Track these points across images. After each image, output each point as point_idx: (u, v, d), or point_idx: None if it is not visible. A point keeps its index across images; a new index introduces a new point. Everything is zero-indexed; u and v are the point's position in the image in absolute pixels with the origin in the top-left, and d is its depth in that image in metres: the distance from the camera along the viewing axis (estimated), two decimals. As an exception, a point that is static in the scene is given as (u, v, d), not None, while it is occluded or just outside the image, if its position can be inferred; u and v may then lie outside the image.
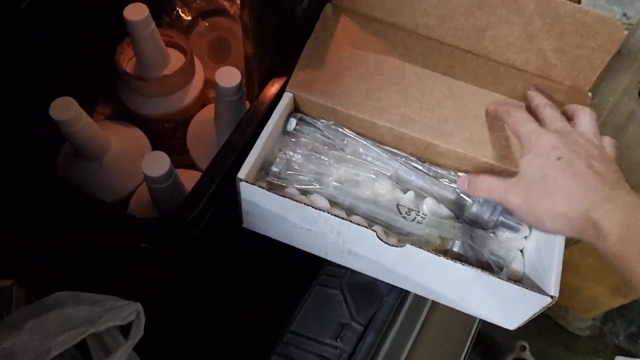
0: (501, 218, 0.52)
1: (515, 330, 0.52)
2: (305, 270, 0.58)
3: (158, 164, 0.50)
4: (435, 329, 0.65)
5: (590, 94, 0.57)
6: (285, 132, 0.55)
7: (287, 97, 0.55)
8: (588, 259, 1.20)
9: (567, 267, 1.27)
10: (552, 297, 0.45)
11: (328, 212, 0.46)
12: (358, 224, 0.46)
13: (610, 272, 1.19)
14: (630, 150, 1.11)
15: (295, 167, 0.53)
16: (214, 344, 0.59)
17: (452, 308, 0.54)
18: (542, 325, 1.38)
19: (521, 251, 0.55)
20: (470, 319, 0.65)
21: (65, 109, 0.53)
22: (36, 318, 0.47)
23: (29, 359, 0.44)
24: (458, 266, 0.45)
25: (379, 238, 0.46)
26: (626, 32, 0.98)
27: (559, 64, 0.54)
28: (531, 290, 0.45)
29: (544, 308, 0.46)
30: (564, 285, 1.43)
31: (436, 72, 0.54)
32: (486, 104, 0.52)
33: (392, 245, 0.46)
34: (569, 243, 1.23)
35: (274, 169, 0.52)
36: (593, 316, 1.34)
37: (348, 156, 0.54)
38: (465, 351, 0.73)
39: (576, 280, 1.22)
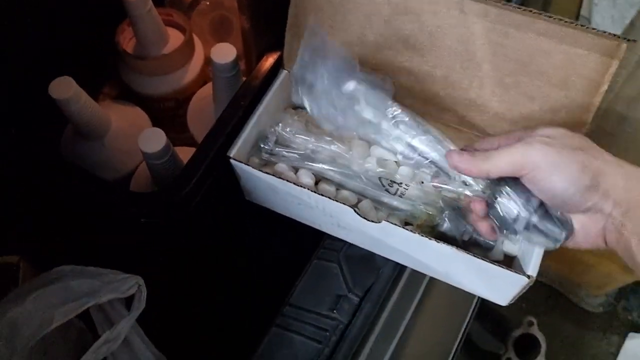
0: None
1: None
2: (307, 243, 0.59)
3: (154, 140, 0.51)
4: (434, 301, 0.66)
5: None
6: (285, 108, 0.56)
7: (282, 74, 0.56)
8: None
9: (578, 243, 1.25)
10: (528, 276, 0.45)
11: (310, 189, 0.47)
12: (337, 201, 0.47)
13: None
14: (642, 122, 1.09)
15: (287, 144, 0.54)
16: (215, 317, 0.61)
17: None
18: (554, 302, 1.38)
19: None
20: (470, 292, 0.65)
21: (65, 89, 0.54)
22: (39, 290, 0.49)
23: (33, 327, 0.46)
24: (433, 243, 0.45)
25: (358, 214, 0.47)
26: None
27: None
28: (508, 270, 0.45)
29: (524, 287, 0.46)
30: (577, 262, 1.42)
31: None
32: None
33: (371, 221, 0.47)
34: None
35: (266, 145, 0.53)
36: (606, 293, 1.33)
37: (341, 131, 0.54)
38: (465, 324, 0.74)
39: (589, 257, 1.21)
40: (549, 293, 1.35)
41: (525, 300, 1.19)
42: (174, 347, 0.56)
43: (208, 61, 0.71)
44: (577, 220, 0.41)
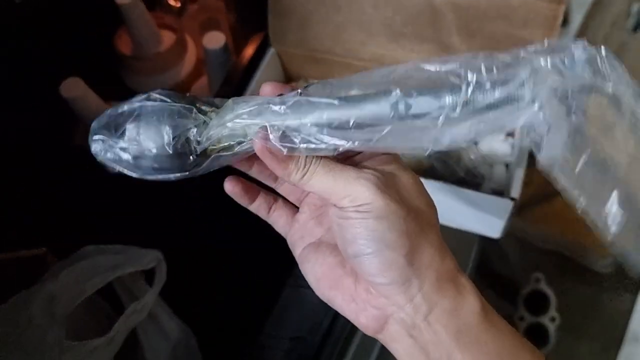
0: None
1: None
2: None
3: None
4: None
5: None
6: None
7: (270, 51, 0.61)
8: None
9: (577, 202, 1.28)
10: (512, 199, 0.48)
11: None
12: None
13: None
14: (625, 80, 1.13)
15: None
16: (230, 284, 0.65)
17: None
18: (564, 267, 1.40)
19: (507, 166, 0.59)
20: (467, 250, 0.69)
21: (74, 88, 0.60)
22: (69, 267, 0.53)
23: (68, 298, 0.51)
24: (425, 181, 0.49)
25: None
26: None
27: None
28: (494, 196, 0.49)
29: (510, 211, 0.50)
30: (578, 222, 1.46)
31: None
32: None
33: None
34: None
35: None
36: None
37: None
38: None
39: (589, 216, 1.24)
40: (558, 259, 1.37)
41: (535, 267, 1.22)
42: (195, 319, 0.60)
43: (201, 60, 0.76)
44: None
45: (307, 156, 0.28)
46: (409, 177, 0.30)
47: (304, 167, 0.28)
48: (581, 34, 1.14)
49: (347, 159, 0.30)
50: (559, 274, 1.35)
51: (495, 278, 1.18)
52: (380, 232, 0.27)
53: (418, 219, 0.29)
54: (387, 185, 0.28)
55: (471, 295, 0.28)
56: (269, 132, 0.27)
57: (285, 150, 0.27)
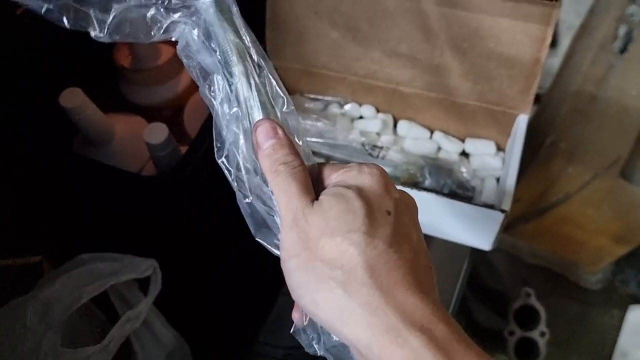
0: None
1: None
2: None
3: (158, 132, 0.57)
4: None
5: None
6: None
7: (269, 64, 0.62)
8: (587, 210, 1.24)
9: (567, 220, 1.31)
10: (503, 211, 0.50)
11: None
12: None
13: (610, 221, 1.23)
14: (613, 100, 1.16)
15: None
16: (224, 294, 0.65)
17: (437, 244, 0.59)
18: (553, 284, 1.42)
19: (497, 180, 0.60)
20: (458, 264, 0.70)
21: (73, 98, 0.61)
22: (66, 274, 0.54)
23: (64, 305, 0.51)
24: (417, 193, 0.51)
25: None
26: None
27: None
28: (486, 208, 0.50)
29: (501, 223, 0.51)
30: (568, 239, 1.47)
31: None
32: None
33: None
34: (567, 195, 1.26)
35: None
36: (602, 268, 1.38)
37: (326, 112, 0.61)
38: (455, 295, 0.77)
39: (579, 234, 1.26)
40: (547, 275, 1.39)
41: (525, 283, 1.23)
42: (189, 328, 0.61)
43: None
44: None
45: (289, 153, 0.29)
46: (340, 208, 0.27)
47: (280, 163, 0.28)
48: (569, 55, 1.17)
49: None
50: (548, 289, 1.37)
51: (486, 293, 1.19)
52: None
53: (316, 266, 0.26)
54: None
55: (428, 352, 0.24)
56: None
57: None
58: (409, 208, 0.29)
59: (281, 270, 0.30)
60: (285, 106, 0.30)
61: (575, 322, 1.34)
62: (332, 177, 0.29)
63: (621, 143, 1.17)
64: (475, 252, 0.72)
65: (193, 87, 0.77)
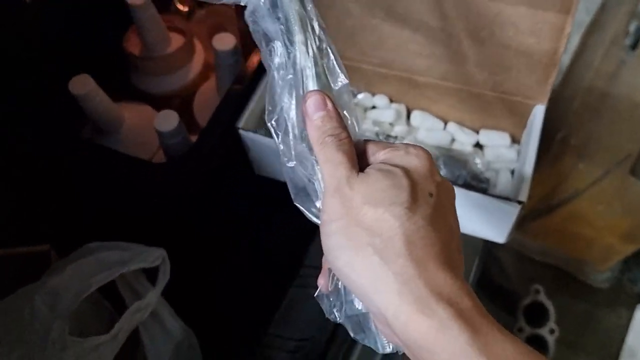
0: None
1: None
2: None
3: (169, 120, 0.56)
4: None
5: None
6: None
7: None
8: (597, 207, 1.23)
9: (577, 217, 1.29)
10: (520, 202, 0.49)
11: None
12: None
13: (620, 218, 1.22)
14: (624, 96, 1.15)
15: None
16: (234, 287, 0.64)
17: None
18: (562, 281, 1.41)
19: (512, 172, 0.59)
20: (469, 260, 0.69)
21: (83, 85, 0.60)
22: (75, 262, 0.53)
23: (72, 293, 0.50)
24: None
25: None
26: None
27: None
28: (502, 199, 0.49)
29: (517, 215, 0.50)
30: (577, 237, 1.45)
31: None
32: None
33: None
34: (577, 192, 1.25)
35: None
36: (610, 267, 1.37)
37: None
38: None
39: (588, 231, 1.24)
40: (556, 273, 1.38)
41: (533, 281, 1.22)
42: (197, 320, 0.60)
43: (208, 64, 0.77)
44: None
45: (337, 126, 0.30)
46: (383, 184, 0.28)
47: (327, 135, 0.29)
48: (580, 51, 1.16)
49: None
50: (556, 287, 1.36)
51: (495, 289, 1.18)
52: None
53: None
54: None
55: (455, 324, 0.25)
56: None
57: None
58: (449, 193, 0.30)
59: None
60: (341, 80, 0.31)
61: (583, 321, 1.33)
62: (379, 154, 0.30)
63: (632, 140, 1.15)
64: (484, 249, 0.71)
65: (203, 76, 0.76)
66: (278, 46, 0.31)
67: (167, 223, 0.60)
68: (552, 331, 1.08)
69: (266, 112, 0.31)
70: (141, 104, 0.72)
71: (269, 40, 0.31)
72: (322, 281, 0.32)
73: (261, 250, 0.66)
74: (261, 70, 0.59)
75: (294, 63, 0.30)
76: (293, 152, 0.31)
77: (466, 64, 0.56)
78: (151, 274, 0.57)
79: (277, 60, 0.31)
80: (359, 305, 0.31)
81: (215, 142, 0.54)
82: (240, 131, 0.55)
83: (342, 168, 0.28)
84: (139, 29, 0.69)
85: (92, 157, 0.55)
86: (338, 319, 0.32)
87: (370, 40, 0.58)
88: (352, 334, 0.32)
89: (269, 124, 0.31)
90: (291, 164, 0.31)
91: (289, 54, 0.30)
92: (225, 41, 0.62)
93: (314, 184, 0.31)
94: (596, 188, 1.20)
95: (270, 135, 0.31)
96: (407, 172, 0.28)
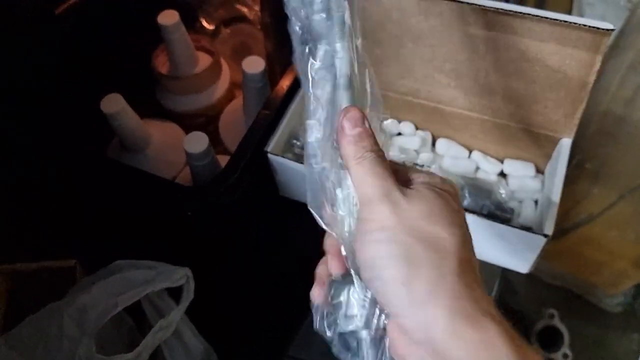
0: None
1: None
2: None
3: (198, 142, 0.57)
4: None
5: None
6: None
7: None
8: (610, 232, 1.23)
9: (589, 241, 1.29)
10: (546, 235, 0.49)
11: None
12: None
13: (633, 244, 1.21)
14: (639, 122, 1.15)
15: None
16: (255, 309, 0.65)
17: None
18: (573, 305, 1.40)
19: (536, 202, 0.60)
20: (488, 286, 0.69)
21: (114, 104, 0.61)
22: (102, 281, 0.54)
23: (99, 311, 0.51)
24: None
25: None
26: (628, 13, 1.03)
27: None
28: (527, 232, 0.49)
29: (542, 247, 0.50)
30: (589, 261, 1.45)
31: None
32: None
33: None
34: (590, 217, 1.25)
35: (297, 141, 0.59)
36: (622, 291, 1.36)
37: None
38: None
39: (600, 256, 1.24)
40: (567, 296, 1.37)
41: (545, 304, 1.22)
42: (218, 339, 0.60)
43: (233, 83, 0.78)
44: None
45: (375, 143, 0.31)
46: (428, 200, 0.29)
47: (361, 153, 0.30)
48: (597, 76, 1.16)
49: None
50: (568, 310, 1.35)
51: (508, 313, 1.18)
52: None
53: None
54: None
55: (500, 339, 0.26)
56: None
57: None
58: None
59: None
60: (372, 103, 0.32)
61: (594, 345, 1.32)
62: (414, 176, 0.31)
63: (647, 166, 1.15)
64: (502, 274, 0.71)
65: (229, 96, 0.77)
66: (323, 49, 0.31)
67: (190, 243, 0.61)
68: (565, 356, 1.07)
69: (305, 111, 0.31)
70: (167, 122, 0.73)
71: (308, 40, 0.31)
72: (316, 292, 0.33)
73: (283, 272, 0.67)
74: (290, 96, 0.60)
75: (336, 69, 0.31)
76: (321, 154, 0.31)
77: (493, 96, 0.56)
78: (174, 291, 0.58)
79: (318, 63, 0.31)
80: (351, 325, 0.31)
81: (244, 166, 0.55)
82: (269, 155, 0.56)
83: (390, 179, 0.29)
84: (168, 48, 0.70)
85: (117, 176, 0.55)
86: (327, 332, 0.31)
87: (397, 70, 0.58)
88: (335, 352, 0.32)
89: (306, 122, 0.31)
90: (316, 166, 0.31)
91: (332, 58, 0.30)
92: (254, 64, 0.63)
93: (333, 189, 0.31)
94: (610, 213, 1.20)
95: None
96: (454, 197, 0.30)
